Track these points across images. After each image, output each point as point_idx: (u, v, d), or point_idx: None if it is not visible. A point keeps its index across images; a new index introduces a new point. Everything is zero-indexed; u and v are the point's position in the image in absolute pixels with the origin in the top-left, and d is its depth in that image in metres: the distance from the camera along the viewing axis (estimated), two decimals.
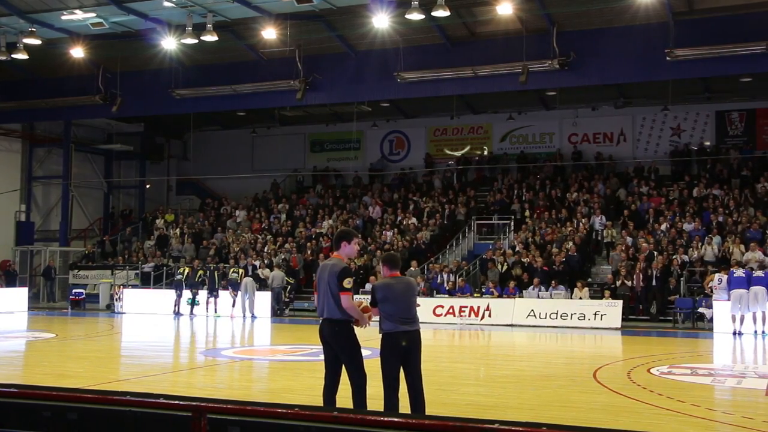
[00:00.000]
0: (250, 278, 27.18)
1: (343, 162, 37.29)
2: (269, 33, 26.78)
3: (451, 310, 24.50)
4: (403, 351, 7.70)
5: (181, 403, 3.68)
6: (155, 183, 40.17)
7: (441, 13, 23.86)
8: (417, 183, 35.20)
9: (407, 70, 27.82)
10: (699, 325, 22.71)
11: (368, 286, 22.51)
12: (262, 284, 27.41)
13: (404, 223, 30.96)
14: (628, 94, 31.90)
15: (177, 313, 27.32)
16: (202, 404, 3.65)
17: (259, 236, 32.16)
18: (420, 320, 7.99)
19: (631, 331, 21.88)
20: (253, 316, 26.30)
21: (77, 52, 28.60)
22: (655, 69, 26.12)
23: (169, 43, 27.51)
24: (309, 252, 29.68)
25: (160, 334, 21.97)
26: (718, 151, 31.40)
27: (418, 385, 7.76)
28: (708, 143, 31.92)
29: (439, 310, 24.52)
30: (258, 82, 29.74)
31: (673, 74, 26.37)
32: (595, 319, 22.90)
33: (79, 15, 26.34)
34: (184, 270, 28.26)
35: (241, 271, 27.51)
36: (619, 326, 22.48)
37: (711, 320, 21.99)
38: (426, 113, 35.39)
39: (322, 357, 7.85)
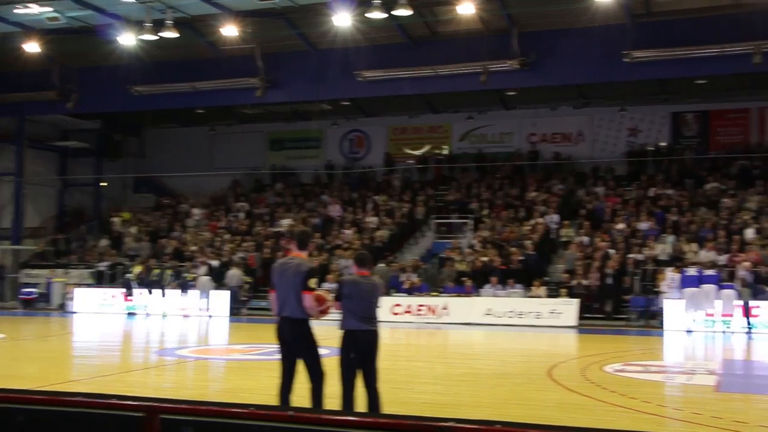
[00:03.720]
0: (207, 277, 27.03)
1: (302, 160, 37.20)
2: (229, 30, 26.63)
3: (408, 309, 24.61)
4: (361, 349, 7.76)
5: (133, 403, 3.68)
6: (112, 181, 39.68)
7: (402, 12, 23.95)
8: (376, 182, 35.24)
9: (368, 68, 27.85)
10: (652, 323, 23.09)
11: (325, 285, 22.51)
12: (219, 283, 27.27)
13: (363, 221, 31.00)
14: (587, 94, 32.26)
15: (131, 313, 27.07)
16: (155, 404, 3.64)
17: (217, 235, 31.97)
18: (379, 320, 8.05)
19: (587, 329, 22.18)
20: (210, 315, 26.16)
21: (32, 46, 28.16)
22: (613, 70, 26.49)
23: (128, 39, 27.21)
24: (268, 251, 29.57)
25: (113, 333, 21.75)
26: (674, 151, 31.91)
27: (374, 384, 7.83)
28: (664, 144, 32.41)
29: (396, 309, 24.61)
30: (218, 80, 29.55)
31: (630, 75, 26.74)
32: (551, 317, 23.16)
33: (34, 9, 25.93)
34: (136, 269, 27.99)
35: (199, 270, 27.33)
36: (575, 324, 22.78)
37: (662, 318, 22.34)
38: (386, 112, 35.46)
39: (279, 356, 7.86)
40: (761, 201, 27.13)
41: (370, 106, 35.04)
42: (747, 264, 22.70)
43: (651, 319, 23.22)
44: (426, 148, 35.87)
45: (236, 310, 27.11)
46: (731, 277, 22.45)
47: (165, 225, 34.16)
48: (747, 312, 20.96)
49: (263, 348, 16.23)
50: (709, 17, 25.24)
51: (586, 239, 26.77)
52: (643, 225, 26.90)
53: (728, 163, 30.26)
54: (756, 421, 9.14)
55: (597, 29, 25.82)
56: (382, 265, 26.72)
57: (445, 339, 21.24)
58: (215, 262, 28.95)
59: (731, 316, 20.99)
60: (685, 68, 26.17)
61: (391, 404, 8.56)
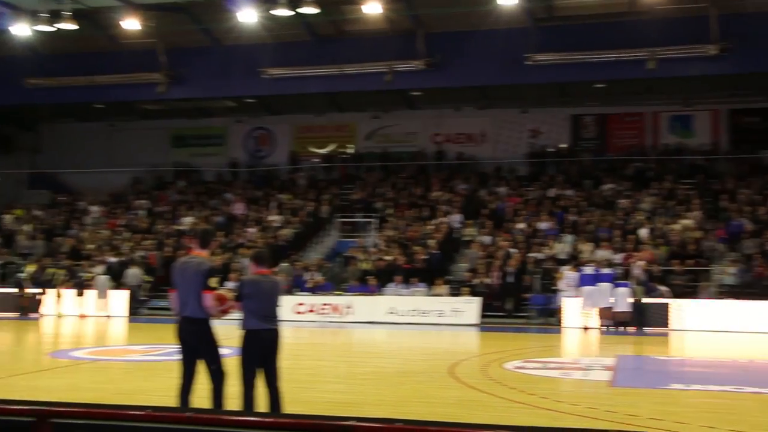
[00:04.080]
0: (105, 276, 26.34)
1: (206, 158, 36.62)
2: (131, 23, 26.01)
3: (312, 308, 24.56)
4: (263, 349, 7.71)
5: (22, 407, 3.56)
6: (4, 176, 38.18)
7: (309, 9, 23.89)
8: (281, 180, 35.01)
9: (273, 66, 27.67)
10: (551, 320, 23.68)
11: (228, 284, 22.24)
12: (118, 283, 26.61)
13: (267, 220, 30.76)
14: (490, 96, 32.83)
15: (23, 314, 26.13)
16: (46, 408, 3.53)
17: (116, 233, 31.18)
18: (280, 318, 8.02)
19: (488, 327, 22.58)
20: (107, 316, 25.50)
21: None
22: (516, 72, 27.07)
23: (21, 30, 26.23)
24: (169, 249, 29.01)
25: (3, 335, 20.94)
26: (573, 153, 32.80)
27: (276, 384, 7.79)
28: (563, 145, 33.27)
29: (300, 308, 24.53)
30: (118, 74, 28.85)
31: (532, 78, 27.39)
32: (453, 315, 23.48)
33: None
34: (29, 267, 27.04)
35: (97, 269, 26.60)
36: (477, 322, 23.16)
37: (561, 315, 22.94)
38: (291, 110, 35.24)
39: (179, 357, 7.74)
40: (654, 202, 28.19)
41: (275, 103, 34.80)
42: (641, 263, 23.54)
43: (550, 317, 23.81)
44: (331, 147, 35.82)
45: (135, 310, 26.49)
46: (626, 275, 23.23)
47: (61, 222, 33.10)
48: (641, 308, 21.72)
49: (163, 348, 15.92)
50: (608, 23, 26.08)
51: (488, 238, 27.26)
52: (543, 225, 27.57)
53: (624, 165, 31.30)
54: (647, 414, 9.48)
55: (501, 32, 26.34)
56: (286, 263, 26.58)
57: (348, 338, 21.28)
58: (114, 261, 28.22)
59: (626, 312, 21.70)
60: (584, 72, 26.99)
61: (293, 404, 8.53)
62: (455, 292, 24.81)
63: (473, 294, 24.23)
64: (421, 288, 24.82)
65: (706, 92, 30.95)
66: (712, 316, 21.64)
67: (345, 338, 21.21)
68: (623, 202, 28.46)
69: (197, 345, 7.60)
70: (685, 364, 14.84)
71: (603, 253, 24.71)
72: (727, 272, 23.98)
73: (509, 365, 13.83)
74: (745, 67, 26.17)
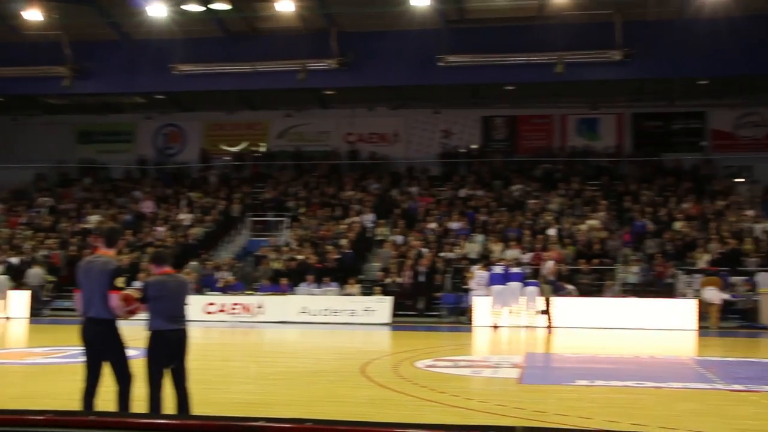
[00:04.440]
0: (5, 276, 25.41)
1: (113, 154, 35.73)
2: (33, 14, 25.16)
3: (222, 308, 24.26)
4: (170, 350, 7.56)
5: None
6: None
7: (220, 6, 23.56)
8: (191, 178, 34.45)
9: (184, 62, 27.21)
10: (462, 319, 23.98)
11: (136, 284, 21.75)
12: (19, 283, 25.71)
13: (176, 218, 30.23)
14: (403, 96, 33.03)
15: None
16: None
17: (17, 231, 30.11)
18: (189, 318, 7.88)
19: (400, 326, 22.70)
20: (7, 317, 24.60)
21: None
22: (428, 73, 27.32)
23: None
24: (74, 248, 28.19)
25: None
26: (484, 154, 33.30)
27: (184, 385, 7.65)
28: (475, 146, 33.74)
29: (210, 308, 24.19)
30: (20, 66, 27.86)
31: (444, 79, 27.69)
32: (365, 314, 23.54)
33: None
34: None
35: None
36: (389, 321, 23.26)
37: (471, 314, 23.26)
38: (203, 107, 34.70)
39: (83, 359, 7.53)
40: (562, 203, 28.88)
41: (185, 100, 34.20)
42: (550, 262, 24.06)
43: (461, 316, 24.11)
44: (243, 145, 35.45)
45: (37, 311, 25.60)
46: (535, 274, 23.72)
47: None
48: (548, 307, 22.20)
49: (66, 351, 15.44)
50: (518, 27, 26.59)
51: (400, 238, 27.43)
52: (455, 224, 27.90)
53: (533, 167, 31.96)
54: (553, 410, 9.70)
55: (413, 33, 26.54)
56: (196, 263, 26.19)
57: (259, 338, 21.09)
58: (15, 260, 27.25)
59: (535, 311, 22.15)
60: (495, 75, 27.46)
61: (202, 405, 8.39)
62: (367, 292, 24.86)
63: (385, 293, 24.34)
64: (333, 287, 24.79)
65: (611, 96, 31.89)
66: (616, 314, 22.28)
67: (256, 338, 21.02)
68: (532, 203, 29.06)
69: (102, 346, 7.42)
70: (590, 361, 15.24)
71: (512, 253, 25.17)
72: (630, 271, 24.76)
73: (420, 364, 13.93)
74: (647, 72, 27.08)
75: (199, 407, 7.93)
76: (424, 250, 26.11)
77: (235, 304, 24.31)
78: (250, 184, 33.01)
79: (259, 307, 24.15)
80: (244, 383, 12.31)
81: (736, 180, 31.10)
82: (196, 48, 27.69)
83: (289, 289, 24.93)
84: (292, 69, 27.13)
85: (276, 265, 26.34)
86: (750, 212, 27.29)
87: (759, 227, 26.32)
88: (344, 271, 25.62)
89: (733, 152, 31.61)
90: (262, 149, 35.26)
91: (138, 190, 32.87)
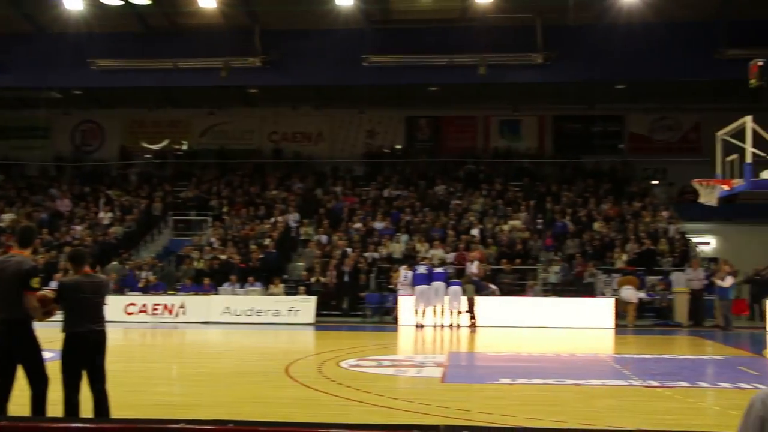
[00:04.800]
0: None
1: (28, 151, 34.65)
2: None
3: (144, 308, 23.79)
4: (87, 351, 7.36)
5: None
6: None
7: (140, 0, 23.09)
8: (111, 176, 33.69)
9: (103, 57, 26.59)
10: (386, 318, 24.03)
11: (52, 284, 21.14)
12: None
13: (95, 217, 29.52)
14: (328, 95, 32.96)
15: None
16: None
17: None
18: (108, 319, 7.70)
19: (324, 326, 22.63)
20: None
21: None
22: (353, 73, 27.33)
23: None
24: None
25: None
26: (408, 154, 33.48)
27: (102, 387, 7.46)
28: (399, 146, 33.90)
29: (130, 309, 23.69)
30: None
31: (368, 79, 27.73)
32: (289, 315, 23.40)
33: None
34: None
35: None
36: (313, 321, 23.17)
37: (396, 313, 23.34)
38: (123, 103, 33.96)
39: None
40: (485, 203, 29.23)
41: (105, 96, 33.38)
42: (476, 263, 24.29)
43: (385, 315, 24.17)
44: (165, 143, 34.86)
45: None
46: (459, 274, 23.93)
47: None
48: (472, 307, 22.42)
49: None
50: (442, 29, 26.80)
51: (324, 238, 27.35)
52: (379, 224, 27.97)
53: (456, 167, 32.27)
54: (477, 408, 9.79)
55: (338, 32, 26.50)
56: (116, 263, 25.64)
57: (181, 339, 20.77)
58: None
59: (459, 310, 22.35)
60: (419, 75, 27.64)
61: (122, 408, 8.21)
62: (292, 292, 24.71)
63: (309, 293, 24.23)
64: (257, 287, 24.57)
65: (533, 99, 32.45)
66: (537, 313, 22.64)
67: (178, 339, 20.68)
68: (456, 203, 29.34)
69: (16, 349, 7.18)
70: (512, 360, 15.45)
71: (436, 253, 25.35)
72: (551, 271, 25.21)
73: (345, 364, 13.91)
74: (568, 76, 27.62)
75: (117, 410, 7.74)
76: (349, 250, 26.09)
77: (157, 304, 23.87)
78: (172, 182, 32.47)
79: (181, 308, 23.77)
80: (165, 385, 12.10)
81: (652, 182, 32.02)
82: (115, 43, 27.09)
83: (212, 289, 24.61)
84: (215, 66, 26.79)
85: (199, 265, 25.97)
86: (665, 213, 28.10)
87: (673, 228, 27.14)
88: (268, 271, 25.42)
89: (649, 155, 32.54)
90: (185, 147, 34.73)
91: (54, 188, 31.98)
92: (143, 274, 25.52)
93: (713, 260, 25.37)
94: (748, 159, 16.65)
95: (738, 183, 17.19)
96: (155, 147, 34.82)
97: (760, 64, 18.31)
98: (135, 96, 32.58)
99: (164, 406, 9.80)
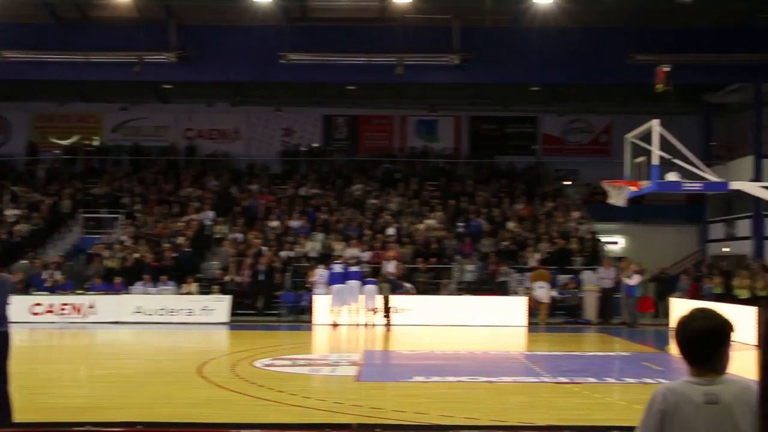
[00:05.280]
0: None
1: None
2: None
3: (51, 308, 23.12)
4: None
5: None
6: None
7: None
8: (17, 172, 32.62)
9: (9, 48, 25.73)
10: (301, 317, 23.97)
11: None
12: None
13: (1, 214, 28.54)
14: (244, 92, 32.65)
15: None
16: None
17: None
18: (11, 320, 7.47)
19: (238, 326, 22.45)
20: None
21: None
22: (270, 70, 27.16)
23: None
24: None
25: None
26: (325, 153, 33.45)
27: (5, 389, 7.23)
28: (316, 145, 33.82)
29: (37, 309, 22.98)
30: None
31: (285, 77, 27.63)
32: (203, 314, 23.12)
33: None
34: None
35: None
36: (227, 321, 22.95)
37: (311, 313, 23.30)
38: (30, 97, 32.87)
39: None
40: (401, 203, 29.42)
41: (11, 89, 32.24)
42: (393, 262, 24.42)
43: (301, 314, 24.11)
44: (75, 138, 33.97)
45: None
46: (375, 273, 24.02)
47: None
48: (387, 305, 22.54)
49: None
50: (360, 28, 26.87)
51: (239, 236, 27.09)
52: (295, 223, 27.86)
53: (373, 166, 32.41)
54: (390, 406, 9.88)
55: (255, 29, 26.28)
56: (23, 261, 24.86)
57: (90, 339, 20.31)
58: None
59: (374, 309, 22.44)
60: (337, 74, 27.65)
61: (26, 411, 7.99)
62: (205, 291, 24.40)
63: (224, 292, 23.97)
64: (170, 286, 24.18)
65: (449, 99, 32.85)
66: (452, 312, 22.91)
67: (86, 340, 20.21)
68: (372, 202, 29.45)
69: None
70: (426, 358, 15.62)
71: (352, 252, 25.40)
72: (465, 270, 25.55)
73: (259, 363, 13.84)
74: (484, 77, 28.03)
75: (21, 413, 7.53)
76: (264, 249, 25.92)
77: (65, 304, 23.24)
78: (82, 179, 31.65)
79: (91, 307, 23.20)
80: (72, 387, 11.81)
81: (564, 182, 32.78)
82: (23, 34, 26.27)
83: (124, 288, 24.10)
84: (128, 61, 26.22)
85: (109, 264, 25.40)
86: (576, 213, 28.79)
87: (584, 228, 27.84)
88: (181, 270, 25.04)
89: (562, 156, 33.31)
90: (96, 143, 33.92)
91: None
92: (50, 273, 24.81)
93: (621, 259, 26.12)
94: (655, 161, 17.24)
95: (645, 184, 17.77)
96: (65, 143, 33.88)
97: (666, 69, 18.96)
98: (43, 89, 31.61)
99: (70, 408, 9.56)
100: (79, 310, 23.18)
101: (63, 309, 23.17)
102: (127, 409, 9.58)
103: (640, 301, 23.96)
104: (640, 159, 18.03)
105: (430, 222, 27.97)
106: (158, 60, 26.32)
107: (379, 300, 22.45)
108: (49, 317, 22.89)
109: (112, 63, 26.65)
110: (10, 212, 28.56)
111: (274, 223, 27.84)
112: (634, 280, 23.17)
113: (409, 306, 23.02)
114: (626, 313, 23.31)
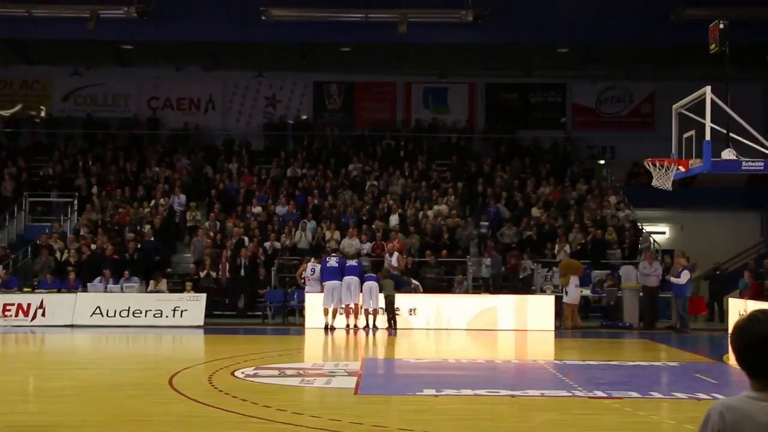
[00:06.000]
0: None
1: None
2: None
3: None
4: None
5: None
6: None
7: None
8: None
9: None
10: (290, 320, 23.99)
11: None
12: None
13: None
14: (220, 55, 32.56)
15: None
16: None
17: None
18: None
19: (216, 329, 22.49)
20: None
21: None
22: (250, 28, 27.09)
23: None
24: None
25: None
26: (316, 126, 33.42)
27: None
28: (305, 117, 33.79)
29: None
30: None
31: (268, 36, 27.58)
32: (174, 316, 23.16)
33: None
34: None
35: None
36: (202, 324, 23.00)
37: (302, 314, 23.36)
38: None
39: None
40: (406, 185, 29.40)
41: None
42: (395, 255, 24.40)
43: (289, 316, 24.13)
44: (17, 108, 33.98)
45: None
46: (376, 267, 24.03)
47: None
48: (390, 306, 22.56)
49: None
50: None
51: (216, 225, 27.13)
52: (282, 209, 27.88)
53: (373, 143, 32.37)
54: (396, 423, 9.90)
55: None
56: None
57: (40, 345, 20.39)
58: None
59: (375, 310, 22.46)
60: (329, 33, 27.58)
61: None
62: (177, 289, 24.47)
63: (198, 290, 24.02)
64: (135, 284, 24.24)
65: (462, 64, 32.73)
66: (466, 313, 22.92)
67: (35, 346, 20.29)
68: (371, 185, 29.44)
69: None
70: (437, 367, 15.61)
71: (349, 243, 25.42)
72: (482, 264, 25.56)
73: (241, 373, 13.88)
74: (502, 37, 27.99)
75: None
76: (246, 239, 25.95)
77: (9, 304, 23.30)
78: (27, 156, 31.66)
79: (40, 308, 23.26)
80: (20, 402, 11.87)
81: (599, 161, 32.77)
82: None
83: (79, 286, 24.16)
84: (80, 16, 26.14)
85: (61, 257, 25.45)
86: (613, 198, 28.79)
87: (623, 215, 27.82)
88: (148, 264, 25.10)
89: (596, 130, 33.25)
90: (43, 114, 33.91)
91: None
92: None
93: (668, 252, 26.11)
94: (707, 136, 17.15)
95: (696, 163, 17.70)
96: (5, 113, 33.87)
97: (721, 26, 18.88)
98: None
99: (19, 427, 9.61)
100: (26, 312, 23.23)
101: (7, 310, 23.22)
102: (86, 428, 9.64)
103: (690, 302, 23.91)
104: (690, 133, 17.98)
105: (441, 208, 27.98)
106: (116, 15, 26.25)
107: (380, 299, 22.47)
108: None
109: (61, 19, 26.59)
110: None
111: (257, 210, 27.86)
112: (684, 277, 22.98)
113: (416, 306, 23.04)
114: (675, 315, 23.27)
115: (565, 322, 22.91)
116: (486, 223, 27.85)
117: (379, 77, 33.79)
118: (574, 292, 23.24)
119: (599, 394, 12.20)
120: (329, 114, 34.05)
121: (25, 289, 24.23)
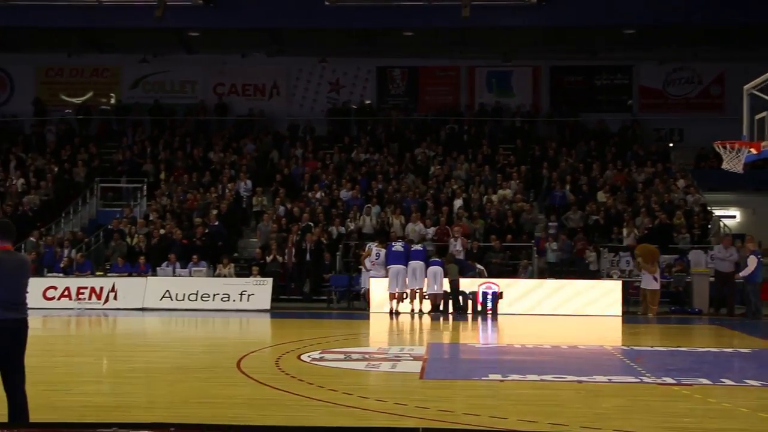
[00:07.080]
0: None
1: None
2: None
3: (66, 293, 23.64)
4: (5, 344, 7.26)
5: None
6: None
7: None
8: (24, 134, 33.27)
9: None
10: (355, 304, 24.05)
11: None
12: None
13: (8, 184, 29.20)
14: (284, 41, 32.66)
15: None
16: None
17: None
18: (27, 306, 7.61)
19: (282, 313, 22.64)
20: None
21: None
22: (314, 14, 27.14)
23: None
24: None
25: None
26: (379, 111, 33.38)
27: (20, 386, 7.38)
28: (369, 102, 33.78)
29: (50, 293, 23.54)
30: None
31: (332, 22, 27.63)
32: (241, 300, 23.37)
33: None
34: None
35: None
36: (269, 307, 23.17)
37: (366, 298, 23.39)
38: (35, 48, 33.36)
39: None
40: (470, 169, 29.25)
41: (13, 38, 32.72)
42: (458, 239, 24.32)
43: (354, 300, 24.19)
44: (88, 95, 34.52)
45: None
46: (440, 252, 23.95)
47: None
48: (455, 290, 22.49)
49: None
50: None
51: (281, 209, 27.27)
52: (346, 194, 27.92)
53: (437, 127, 32.25)
54: (462, 408, 9.84)
55: None
56: (32, 238, 25.41)
57: (112, 328, 20.70)
58: None
59: (440, 294, 22.41)
60: (392, 18, 27.52)
61: (43, 410, 8.17)
62: (243, 273, 24.66)
63: (264, 275, 24.19)
64: (202, 268, 24.49)
65: (526, 47, 32.40)
66: (532, 298, 22.77)
67: (108, 329, 20.61)
68: (436, 169, 29.34)
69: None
70: (503, 352, 15.52)
71: (413, 227, 25.38)
72: (548, 249, 25.33)
73: (307, 357, 13.92)
74: (567, 19, 27.67)
75: (37, 413, 7.69)
76: (311, 224, 26.04)
77: (82, 287, 23.73)
78: (98, 143, 32.15)
79: (112, 292, 23.65)
80: (94, 383, 12.04)
81: (667, 144, 32.23)
82: None
83: (149, 270, 24.50)
84: (148, 4, 26.42)
85: (132, 242, 25.81)
86: (681, 182, 28.31)
87: (691, 199, 27.34)
88: (215, 249, 25.33)
89: (663, 113, 32.72)
90: (113, 101, 34.38)
91: None
92: (65, 251, 25.32)
93: (739, 236, 25.59)
94: None
95: None
96: (77, 101, 34.41)
97: None
98: (50, 38, 32.05)
99: (92, 407, 9.74)
100: (98, 295, 23.65)
101: (80, 293, 23.65)
102: (156, 409, 9.73)
103: (763, 288, 23.38)
104: (762, 114, 17.59)
105: (505, 192, 27.79)
106: (183, 3, 26.48)
107: (445, 284, 22.41)
108: (65, 302, 23.42)
109: (129, 7, 26.90)
110: (17, 181, 29.15)
111: (321, 194, 27.93)
112: (751, 263, 22.46)
113: (482, 291, 22.91)
114: (749, 302, 22.74)
115: (651, 309, 22.60)
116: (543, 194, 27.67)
117: (442, 61, 33.62)
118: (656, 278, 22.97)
119: (668, 380, 11.99)
120: (393, 99, 34.01)
121: (98, 273, 24.66)
